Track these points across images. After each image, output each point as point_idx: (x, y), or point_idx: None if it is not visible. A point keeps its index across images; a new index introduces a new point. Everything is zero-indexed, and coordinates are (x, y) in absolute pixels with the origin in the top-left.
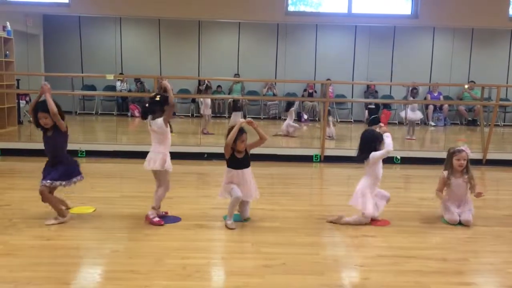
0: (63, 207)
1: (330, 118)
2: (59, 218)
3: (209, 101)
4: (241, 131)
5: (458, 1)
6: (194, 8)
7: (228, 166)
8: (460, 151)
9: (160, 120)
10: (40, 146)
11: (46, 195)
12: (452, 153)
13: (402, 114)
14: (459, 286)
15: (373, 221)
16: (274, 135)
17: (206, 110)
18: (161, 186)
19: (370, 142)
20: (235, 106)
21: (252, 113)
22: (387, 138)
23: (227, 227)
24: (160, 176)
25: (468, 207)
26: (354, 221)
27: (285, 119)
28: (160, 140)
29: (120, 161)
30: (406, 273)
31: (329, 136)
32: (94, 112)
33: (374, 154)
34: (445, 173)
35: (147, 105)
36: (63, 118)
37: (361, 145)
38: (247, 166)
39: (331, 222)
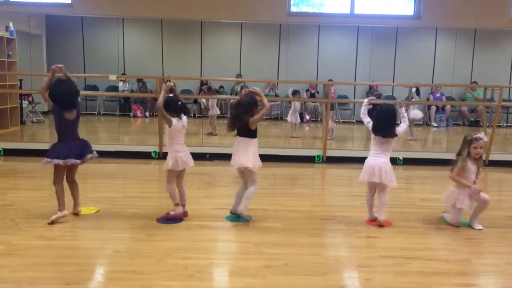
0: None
1: (331, 113)
2: (58, 212)
3: (213, 102)
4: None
5: (461, 2)
6: (196, 8)
7: (254, 136)
8: (478, 138)
9: (185, 117)
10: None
11: (58, 188)
12: (470, 141)
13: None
14: (461, 287)
15: (374, 222)
16: (291, 137)
17: (210, 111)
18: (182, 181)
19: (394, 117)
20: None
21: None
22: (405, 112)
23: (242, 215)
24: (184, 172)
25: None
26: (385, 203)
27: (286, 119)
28: (182, 137)
29: (122, 161)
30: (408, 274)
31: (331, 129)
32: (96, 112)
33: (401, 130)
34: (461, 158)
35: (180, 102)
36: (58, 100)
37: (386, 121)
38: None
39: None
